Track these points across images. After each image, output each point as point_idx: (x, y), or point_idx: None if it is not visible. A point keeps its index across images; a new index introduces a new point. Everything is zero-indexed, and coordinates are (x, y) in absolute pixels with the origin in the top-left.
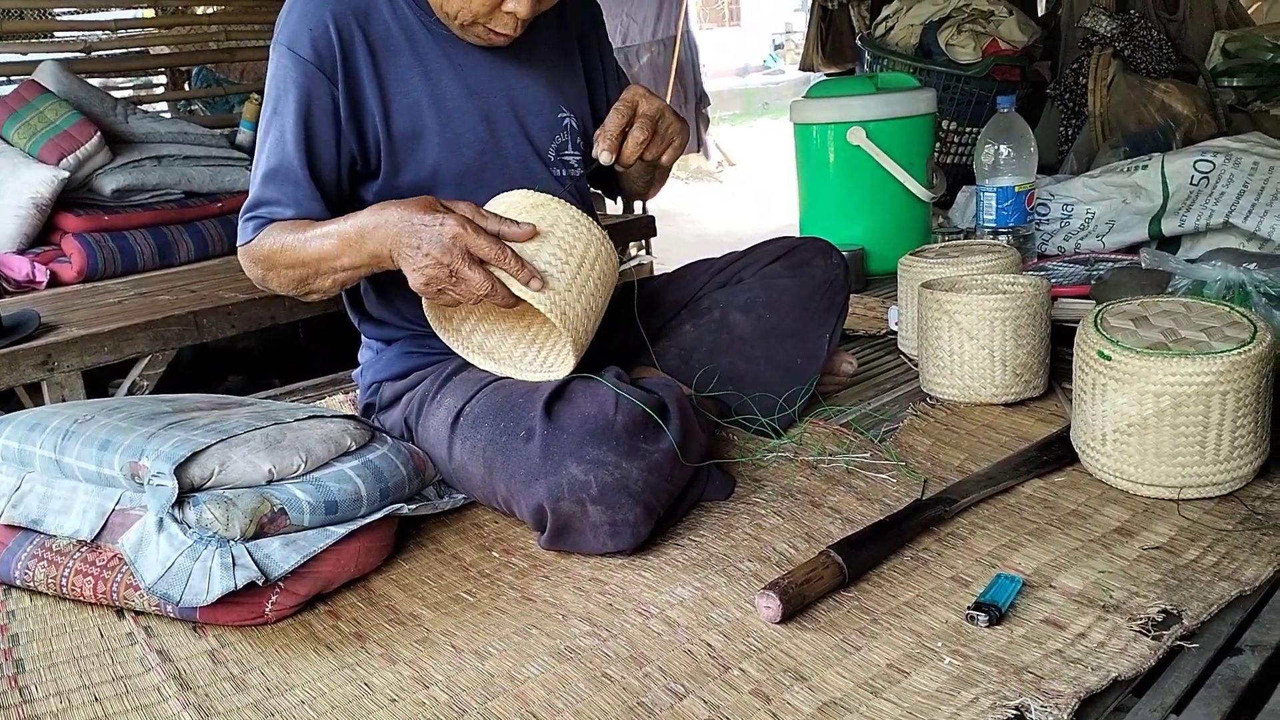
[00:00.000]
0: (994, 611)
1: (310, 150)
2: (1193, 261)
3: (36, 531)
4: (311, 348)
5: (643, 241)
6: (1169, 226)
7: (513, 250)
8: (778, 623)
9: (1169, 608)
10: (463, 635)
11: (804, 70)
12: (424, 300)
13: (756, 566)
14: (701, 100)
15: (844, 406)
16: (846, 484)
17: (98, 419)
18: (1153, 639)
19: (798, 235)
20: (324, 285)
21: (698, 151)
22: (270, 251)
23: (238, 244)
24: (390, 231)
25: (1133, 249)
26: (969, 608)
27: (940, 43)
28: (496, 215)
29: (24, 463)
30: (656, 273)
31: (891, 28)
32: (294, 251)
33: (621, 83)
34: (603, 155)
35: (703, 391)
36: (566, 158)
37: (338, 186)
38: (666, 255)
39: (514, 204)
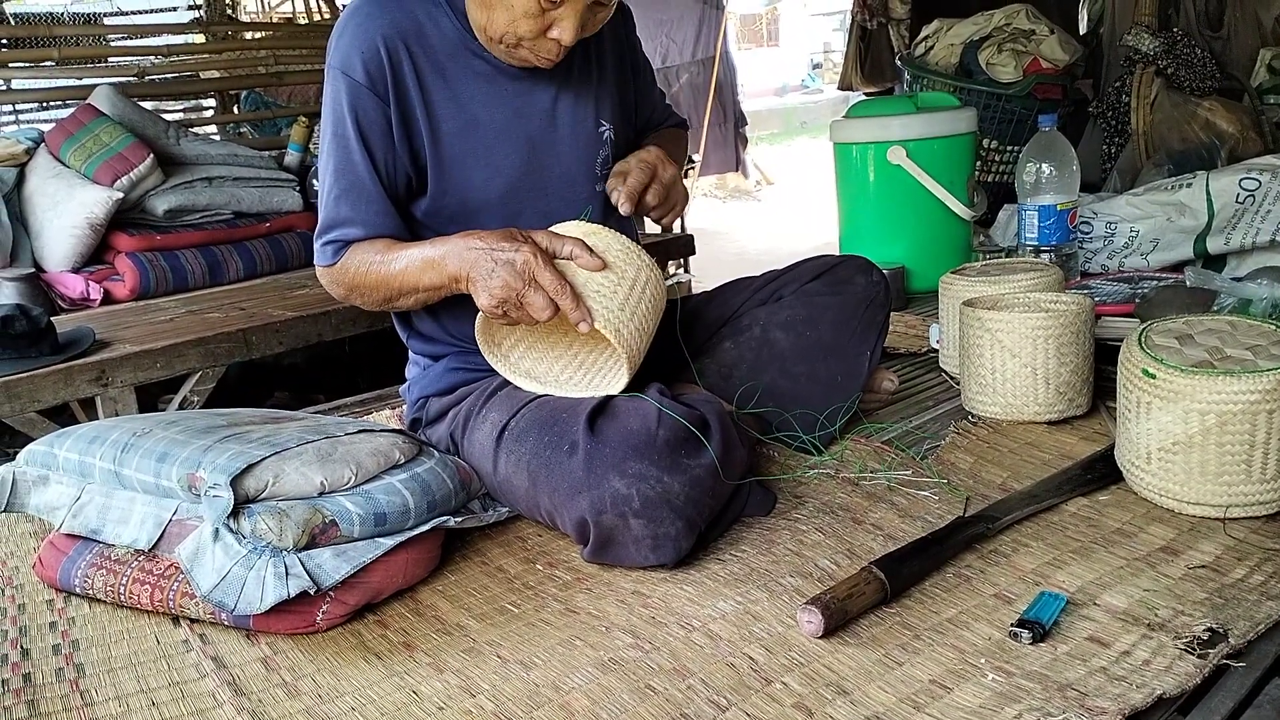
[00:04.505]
0: (1037, 628)
1: (376, 168)
2: (1238, 280)
3: (96, 541)
4: (357, 364)
5: (681, 260)
6: (1214, 245)
7: (572, 287)
8: (820, 637)
9: (1215, 626)
10: (508, 646)
11: (842, 90)
12: (477, 322)
13: (798, 581)
14: (739, 120)
15: (885, 424)
16: (888, 501)
17: (155, 432)
18: (1199, 657)
19: (838, 254)
20: (407, 303)
21: (736, 170)
22: (355, 273)
23: (317, 265)
24: (471, 256)
25: (1177, 267)
26: (1012, 624)
27: (981, 62)
28: (573, 239)
29: (84, 474)
30: (695, 291)
31: (931, 47)
32: (378, 273)
33: (648, 76)
34: (623, 208)
35: (744, 408)
36: (608, 171)
37: (400, 202)
38: (705, 274)
39: (568, 232)
